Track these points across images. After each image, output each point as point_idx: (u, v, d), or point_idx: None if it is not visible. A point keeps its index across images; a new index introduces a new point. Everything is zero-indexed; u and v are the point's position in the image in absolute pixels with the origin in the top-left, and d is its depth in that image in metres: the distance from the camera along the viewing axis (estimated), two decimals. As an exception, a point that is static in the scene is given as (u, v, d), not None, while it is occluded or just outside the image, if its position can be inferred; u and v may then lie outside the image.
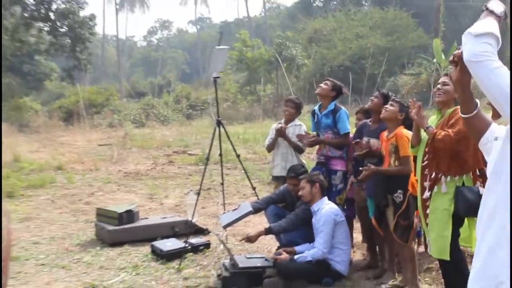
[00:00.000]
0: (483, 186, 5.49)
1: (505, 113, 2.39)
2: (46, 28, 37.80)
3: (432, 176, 5.53)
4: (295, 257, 6.62)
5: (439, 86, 5.69)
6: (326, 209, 6.69)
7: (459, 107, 5.55)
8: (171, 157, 19.18)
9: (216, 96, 8.30)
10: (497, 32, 2.50)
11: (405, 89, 30.13)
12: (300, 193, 6.86)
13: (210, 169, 8.13)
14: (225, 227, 7.45)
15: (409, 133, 6.03)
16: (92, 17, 38.59)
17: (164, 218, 9.35)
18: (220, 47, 8.06)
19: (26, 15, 36.06)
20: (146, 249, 8.20)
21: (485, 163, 5.51)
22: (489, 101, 2.62)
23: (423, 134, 5.64)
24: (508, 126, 2.45)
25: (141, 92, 50.71)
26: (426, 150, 5.58)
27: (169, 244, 7.94)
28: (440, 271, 6.33)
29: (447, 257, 5.48)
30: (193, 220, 8.34)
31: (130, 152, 20.27)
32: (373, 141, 6.67)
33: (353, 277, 6.87)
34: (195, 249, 7.98)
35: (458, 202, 5.40)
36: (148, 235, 8.61)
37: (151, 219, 9.32)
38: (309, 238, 6.92)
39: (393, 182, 6.18)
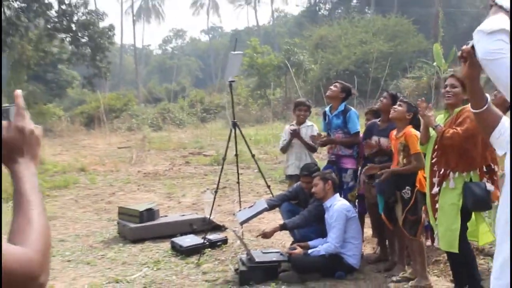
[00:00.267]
0: (490, 182, 5.45)
1: None
2: (68, 39, 37.83)
3: (441, 172, 5.51)
4: (309, 251, 6.61)
5: (448, 88, 5.62)
6: (338, 205, 6.65)
7: (466, 106, 5.55)
8: (187, 158, 19.17)
9: (232, 99, 8.25)
10: (508, 27, 2.34)
11: (407, 92, 29.99)
12: (313, 190, 6.82)
13: (225, 169, 8.08)
14: (241, 223, 7.49)
15: (417, 132, 5.98)
16: (111, 28, 38.59)
17: (183, 215, 9.32)
18: (235, 52, 8.02)
19: (49, 26, 36.08)
20: (166, 245, 8.16)
21: (492, 160, 5.50)
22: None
23: (432, 132, 5.58)
24: None
25: (157, 98, 50.82)
26: (435, 147, 5.54)
27: (188, 240, 7.90)
28: (447, 264, 6.32)
29: (456, 249, 5.47)
30: (211, 217, 8.28)
31: (149, 154, 20.24)
32: (382, 140, 6.66)
33: (364, 270, 6.82)
34: (213, 244, 7.95)
35: (466, 197, 5.39)
36: (168, 232, 8.57)
37: (171, 217, 9.28)
38: (322, 233, 6.88)
39: (401, 179, 6.15)
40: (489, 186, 5.41)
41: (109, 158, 19.53)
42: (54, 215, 10.30)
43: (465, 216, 5.49)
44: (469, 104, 5.44)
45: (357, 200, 7.64)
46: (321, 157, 9.47)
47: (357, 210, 7.49)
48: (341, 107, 7.46)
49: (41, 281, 1.32)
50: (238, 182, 8.45)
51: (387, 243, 7.19)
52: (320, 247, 6.57)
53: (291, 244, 7.16)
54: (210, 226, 8.46)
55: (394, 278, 6.43)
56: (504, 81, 2.27)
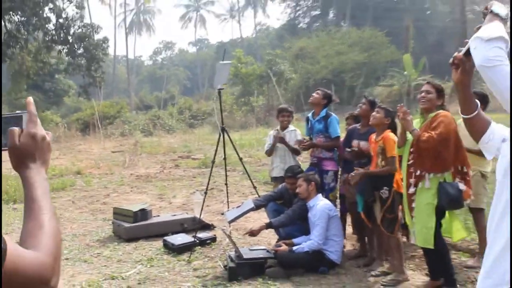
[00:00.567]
0: (463, 182, 5.46)
1: None
2: (65, 50, 37.56)
3: (417, 173, 5.55)
4: (294, 248, 6.60)
5: (423, 94, 5.65)
6: (320, 205, 6.64)
7: (441, 111, 5.55)
8: (176, 162, 19.10)
9: (221, 106, 8.20)
10: (506, 35, 2.28)
11: (380, 99, 30.15)
12: (297, 190, 6.81)
13: (212, 172, 8.06)
14: (230, 222, 7.47)
15: (395, 137, 6.02)
16: (105, 40, 38.39)
17: (174, 215, 9.24)
18: (224, 62, 7.99)
19: (47, 39, 35.91)
20: (158, 243, 8.09)
21: (463, 162, 5.50)
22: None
23: (408, 136, 5.59)
24: None
25: (148, 105, 50.75)
26: (411, 150, 5.58)
27: (180, 239, 7.85)
28: (423, 258, 6.33)
29: (431, 245, 5.51)
30: (200, 217, 8.22)
31: (140, 158, 20.18)
32: (362, 144, 6.66)
33: (345, 266, 6.79)
34: (203, 242, 7.90)
35: (441, 197, 5.44)
36: (160, 231, 8.51)
37: (162, 217, 9.19)
38: (306, 231, 6.86)
39: (380, 180, 6.15)
40: (462, 186, 5.46)
41: (104, 162, 19.45)
42: (52, 216, 10.18)
43: (440, 214, 5.52)
44: (441, 110, 5.53)
45: (339, 200, 7.65)
46: (302, 159, 9.48)
47: (339, 209, 7.54)
48: (323, 113, 7.44)
49: (52, 284, 1.29)
50: (226, 184, 8.43)
51: (366, 240, 7.17)
52: (304, 244, 6.56)
53: (277, 242, 7.15)
54: (200, 225, 8.40)
55: (373, 273, 6.44)
56: (501, 88, 2.21)
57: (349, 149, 6.76)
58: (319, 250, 6.50)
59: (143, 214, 8.76)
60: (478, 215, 6.59)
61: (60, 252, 1.37)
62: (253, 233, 6.96)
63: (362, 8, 56.08)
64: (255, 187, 8.23)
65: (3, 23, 34.21)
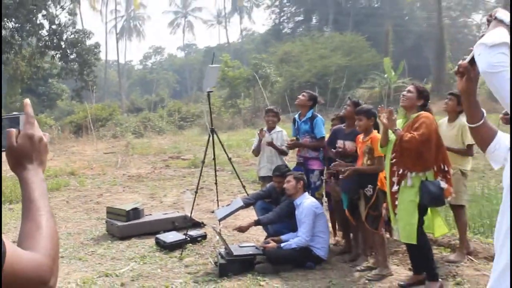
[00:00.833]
0: (444, 181, 5.46)
1: None
2: (58, 55, 37.53)
3: (400, 172, 5.55)
4: (282, 245, 6.59)
5: (404, 92, 5.68)
6: (307, 203, 6.63)
7: (422, 112, 5.55)
8: (167, 162, 19.01)
9: (210, 108, 8.15)
10: (509, 41, 2.17)
11: (362, 100, 30.23)
12: (285, 185, 6.80)
13: (202, 171, 8.05)
14: (220, 220, 7.49)
15: (381, 137, 5.98)
16: (96, 45, 38.33)
17: (165, 214, 9.21)
18: (213, 65, 7.96)
19: (40, 44, 35.86)
20: (151, 241, 8.05)
21: (444, 161, 5.50)
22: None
23: (391, 136, 5.60)
24: None
25: (139, 108, 50.47)
26: (394, 149, 5.55)
27: (171, 237, 7.82)
28: (406, 254, 6.34)
29: (414, 241, 5.51)
30: (191, 215, 8.18)
31: (132, 159, 20.09)
32: (347, 143, 6.64)
33: (332, 261, 6.79)
34: (194, 240, 7.87)
35: (423, 194, 5.44)
36: (152, 229, 8.47)
37: (154, 215, 9.13)
38: (293, 228, 6.85)
39: (365, 178, 6.16)
40: (443, 184, 5.46)
41: (97, 163, 19.34)
42: (47, 215, 10.10)
43: (422, 211, 5.53)
44: (423, 111, 5.53)
45: (326, 198, 7.67)
46: (289, 159, 9.45)
47: (327, 207, 7.64)
48: (309, 114, 7.45)
49: (51, 284, 1.25)
50: (216, 183, 8.39)
51: (351, 236, 7.16)
52: (292, 240, 6.55)
53: (265, 239, 7.13)
54: (191, 223, 8.37)
55: (358, 268, 6.46)
56: (504, 93, 2.11)
57: (333, 150, 6.75)
58: (306, 247, 6.50)
59: (136, 213, 8.71)
60: (459, 212, 6.59)
61: (58, 252, 1.33)
62: (241, 230, 6.98)
63: (344, 13, 56.28)
64: (243, 186, 8.22)
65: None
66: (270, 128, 8.10)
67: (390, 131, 5.59)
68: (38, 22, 34.92)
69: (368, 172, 6.13)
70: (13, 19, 33.49)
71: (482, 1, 62.36)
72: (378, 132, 6.16)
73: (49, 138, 1.53)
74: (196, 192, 7.85)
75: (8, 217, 10.19)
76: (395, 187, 5.56)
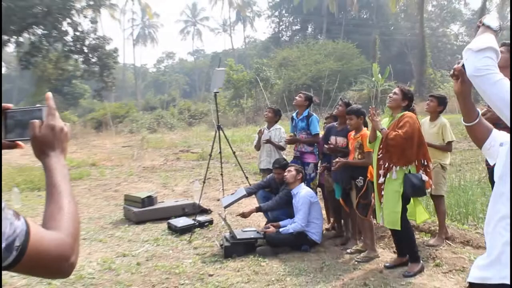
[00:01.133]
0: (425, 174, 5.45)
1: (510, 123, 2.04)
2: (81, 59, 37.53)
3: (385, 166, 5.55)
4: (280, 230, 6.60)
5: (391, 94, 5.67)
6: (303, 193, 6.63)
7: (406, 112, 5.54)
8: (178, 155, 19.00)
9: (216, 107, 8.12)
10: (496, 45, 2.13)
11: (353, 101, 30.16)
12: (285, 174, 6.82)
13: (209, 163, 8.02)
14: (225, 207, 7.46)
15: (370, 134, 5.97)
16: (115, 50, 38.21)
17: (176, 201, 9.20)
18: (220, 68, 7.94)
19: (65, 49, 35.85)
20: (163, 225, 8.05)
21: (424, 156, 5.49)
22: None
23: (378, 133, 5.57)
24: None
25: (153, 106, 50.37)
26: (381, 146, 5.56)
27: (181, 222, 7.83)
28: (391, 238, 6.34)
29: (398, 227, 5.52)
30: (199, 203, 8.17)
31: (147, 152, 20.08)
32: (339, 139, 6.63)
33: (325, 244, 6.79)
34: (202, 225, 7.87)
35: (406, 186, 5.45)
36: (164, 214, 8.47)
37: (166, 202, 9.13)
38: (290, 215, 6.85)
39: (356, 170, 6.16)
40: (424, 177, 5.47)
41: (115, 155, 19.34)
42: (71, 202, 10.10)
43: (405, 200, 5.53)
44: (407, 111, 5.51)
45: (320, 189, 7.67)
46: (286, 153, 9.43)
47: (322, 196, 7.64)
48: (305, 113, 7.43)
49: (72, 261, 1.25)
50: (221, 174, 8.38)
51: (342, 222, 7.16)
52: (289, 226, 6.56)
53: (265, 224, 7.10)
54: (199, 210, 8.37)
55: (348, 250, 6.45)
56: (489, 94, 2.07)
57: (326, 146, 6.73)
58: (302, 231, 6.51)
59: (150, 200, 8.72)
60: (438, 201, 6.59)
61: (79, 231, 1.33)
62: (244, 215, 6.98)
63: (336, 23, 56.11)
64: (246, 177, 8.21)
65: (27, 35, 34.11)
66: (269, 123, 8.11)
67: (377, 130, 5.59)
68: (63, 29, 34.91)
69: (358, 165, 6.11)
70: (42, 27, 33.49)
71: (459, 13, 62.33)
72: (368, 129, 6.15)
73: (69, 128, 1.52)
74: (204, 182, 7.82)
75: (37, 202, 10.20)
76: (382, 179, 5.54)
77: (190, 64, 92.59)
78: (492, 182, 2.17)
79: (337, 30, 54.10)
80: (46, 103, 1.47)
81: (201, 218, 8.08)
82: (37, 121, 1.43)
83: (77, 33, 35.61)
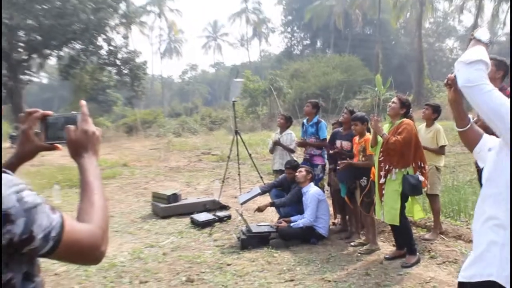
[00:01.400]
0: (421, 175, 5.45)
1: (500, 132, 2.00)
2: (114, 71, 37.91)
3: (386, 168, 5.55)
4: (291, 224, 6.62)
5: (390, 103, 5.67)
6: (312, 191, 6.66)
7: (404, 119, 5.53)
8: (200, 157, 19.07)
9: (234, 114, 8.20)
10: (486, 58, 2.07)
11: (357, 109, 30.02)
12: (297, 174, 6.86)
13: (228, 164, 8.05)
14: (242, 204, 7.50)
15: (373, 139, 5.98)
16: (144, 63, 38.42)
17: (198, 198, 9.23)
18: (237, 80, 8.05)
19: (100, 62, 36.20)
20: (187, 220, 8.08)
21: (421, 159, 5.48)
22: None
23: (379, 139, 5.58)
24: (501, 139, 2.04)
25: (178, 113, 50.51)
26: (381, 150, 5.55)
27: (203, 216, 7.85)
28: (391, 233, 6.31)
29: (397, 223, 5.52)
30: (219, 200, 8.20)
31: (172, 154, 20.19)
32: (344, 143, 6.65)
33: (331, 238, 6.80)
34: (221, 220, 7.89)
35: (404, 185, 5.44)
36: (187, 210, 8.50)
37: (189, 199, 9.16)
38: (300, 211, 6.86)
39: (360, 171, 6.17)
40: (421, 177, 5.47)
41: (144, 157, 19.45)
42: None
43: (404, 199, 5.53)
44: (405, 118, 5.51)
45: (328, 187, 7.71)
46: (297, 156, 9.43)
47: (329, 194, 7.66)
48: (315, 119, 7.50)
49: (102, 250, 1.29)
50: (239, 174, 8.44)
51: (347, 218, 7.16)
52: (299, 221, 6.58)
53: (278, 219, 7.15)
54: (218, 206, 8.42)
55: (352, 243, 6.46)
56: (481, 106, 2.02)
57: (331, 151, 6.75)
58: (311, 226, 6.53)
59: (175, 197, 8.76)
60: (433, 200, 6.58)
61: (108, 224, 1.36)
62: (260, 209, 7.01)
63: (342, 38, 55.81)
64: (261, 177, 8.27)
65: (67, 50, 34.50)
66: (281, 129, 8.16)
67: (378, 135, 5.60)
68: (98, 44, 35.25)
69: (362, 166, 6.11)
70: (80, 42, 33.86)
71: (454, 30, 61.83)
72: (371, 134, 6.16)
73: (101, 132, 1.56)
74: (223, 181, 7.89)
75: (75, 198, 10.28)
76: (382, 180, 5.55)
77: (211, 75, 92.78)
78: (481, 182, 2.17)
79: (343, 44, 53.87)
80: (81, 110, 1.52)
81: (221, 213, 8.10)
82: (72, 126, 1.48)
83: (111, 48, 35.91)
